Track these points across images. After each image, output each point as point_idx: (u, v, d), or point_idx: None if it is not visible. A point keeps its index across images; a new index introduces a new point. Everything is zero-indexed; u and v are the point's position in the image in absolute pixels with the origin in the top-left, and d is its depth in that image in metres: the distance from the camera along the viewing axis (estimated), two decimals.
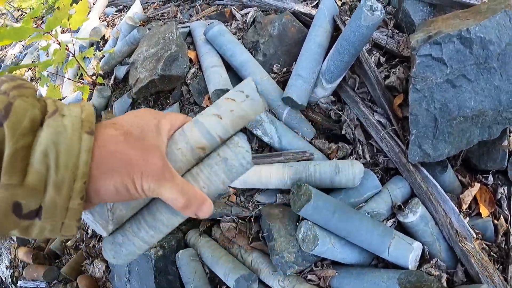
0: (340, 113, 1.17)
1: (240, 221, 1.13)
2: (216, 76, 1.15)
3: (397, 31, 1.38)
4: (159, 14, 1.63)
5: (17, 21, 3.41)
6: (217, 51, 1.25)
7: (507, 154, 1.13)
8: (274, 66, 1.25)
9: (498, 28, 0.95)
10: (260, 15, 1.32)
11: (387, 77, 1.21)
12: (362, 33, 1.04)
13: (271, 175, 1.06)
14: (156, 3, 1.75)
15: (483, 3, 1.19)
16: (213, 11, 1.48)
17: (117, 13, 1.98)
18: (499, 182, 1.17)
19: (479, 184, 1.15)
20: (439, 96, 1.00)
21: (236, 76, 1.22)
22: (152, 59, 1.24)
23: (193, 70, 1.25)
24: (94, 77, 1.62)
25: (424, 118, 1.02)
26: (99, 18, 2.06)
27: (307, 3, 1.39)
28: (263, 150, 1.16)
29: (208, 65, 1.19)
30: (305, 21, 1.34)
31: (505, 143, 1.14)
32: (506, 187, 1.15)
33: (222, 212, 1.13)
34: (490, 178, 1.16)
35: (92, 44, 1.88)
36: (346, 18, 1.24)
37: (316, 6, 1.38)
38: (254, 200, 1.11)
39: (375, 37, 1.28)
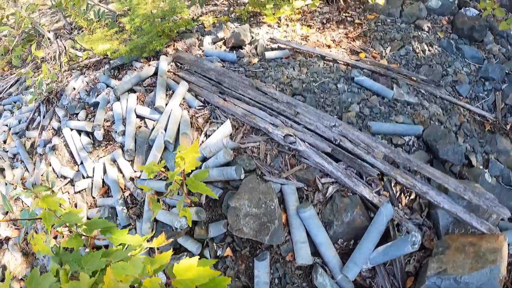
0: (373, 283, 2.01)
1: None
2: (303, 252, 1.88)
3: (426, 220, 2.16)
4: (250, 148, 2.17)
5: (71, 32, 3.42)
6: (304, 225, 1.94)
7: None
8: (339, 240, 2.00)
9: (480, 281, 1.79)
10: (338, 197, 2.01)
11: (408, 261, 2.04)
12: (402, 252, 1.84)
13: None
14: (244, 127, 2.26)
15: (487, 241, 1.99)
16: (299, 170, 2.10)
17: (201, 109, 2.43)
18: None
19: None
20: None
21: (315, 249, 1.95)
22: (255, 221, 1.89)
23: (285, 234, 1.94)
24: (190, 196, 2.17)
25: None
26: (180, 104, 2.47)
27: (371, 186, 2.09)
28: None
29: (298, 239, 1.90)
30: (367, 205, 2.06)
31: None
32: None
33: None
34: None
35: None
36: (405, 225, 1.99)
37: (378, 192, 2.08)
38: None
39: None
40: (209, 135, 2.29)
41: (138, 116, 2.61)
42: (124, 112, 2.64)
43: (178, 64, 2.87)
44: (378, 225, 1.98)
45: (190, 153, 1.92)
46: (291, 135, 2.15)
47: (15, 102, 3.58)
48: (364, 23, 3.34)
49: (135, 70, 2.94)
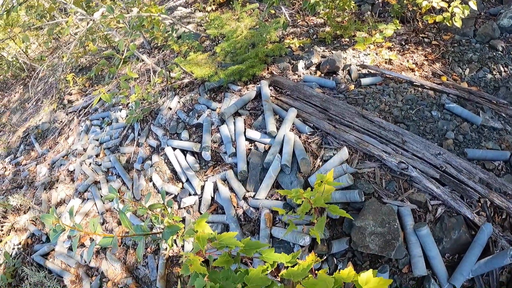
0: None
1: None
2: (420, 265, 2.49)
3: None
4: (366, 173, 2.77)
5: (151, 51, 3.98)
6: (420, 241, 2.55)
7: None
8: (446, 254, 2.61)
9: None
10: (446, 217, 2.61)
11: (501, 272, 2.65)
12: (501, 264, 2.45)
13: None
14: (357, 153, 2.85)
15: None
16: (411, 193, 2.70)
17: (312, 134, 3.02)
18: None
19: None
20: None
21: (427, 262, 2.56)
22: (380, 238, 2.49)
23: (404, 250, 2.55)
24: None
25: None
26: (291, 129, 3.06)
27: (471, 208, 2.69)
28: None
29: (415, 254, 2.51)
30: (469, 224, 2.66)
31: None
32: None
33: None
34: None
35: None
36: (500, 242, 2.60)
37: (478, 213, 2.69)
38: None
39: None
40: (325, 160, 2.88)
41: (247, 139, 3.20)
42: (233, 135, 3.23)
43: (278, 88, 3.45)
44: (480, 242, 2.59)
45: (329, 181, 2.51)
46: (403, 162, 2.75)
47: (103, 118, 4.16)
48: (440, 44, 3.91)
49: (233, 93, 3.53)
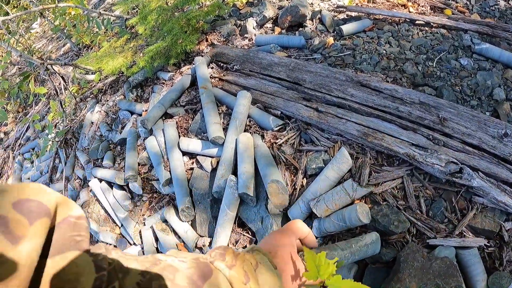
0: None
1: None
2: None
3: None
4: (389, 191, 1.06)
5: (78, 54, 2.21)
6: None
7: None
8: None
9: None
10: None
11: None
12: None
13: None
14: (366, 155, 1.12)
15: None
16: (473, 217, 0.98)
17: (281, 129, 1.28)
18: None
19: None
20: None
21: None
22: None
23: None
24: None
25: None
26: (246, 126, 1.33)
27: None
28: None
29: None
30: None
31: None
32: None
33: None
34: None
35: None
36: None
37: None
38: None
39: None
40: (312, 175, 1.17)
41: (185, 153, 1.50)
42: (164, 151, 1.53)
43: (222, 64, 1.69)
44: None
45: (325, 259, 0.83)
46: (455, 162, 1.02)
47: (33, 149, 2.50)
48: None
49: (163, 84, 1.78)
